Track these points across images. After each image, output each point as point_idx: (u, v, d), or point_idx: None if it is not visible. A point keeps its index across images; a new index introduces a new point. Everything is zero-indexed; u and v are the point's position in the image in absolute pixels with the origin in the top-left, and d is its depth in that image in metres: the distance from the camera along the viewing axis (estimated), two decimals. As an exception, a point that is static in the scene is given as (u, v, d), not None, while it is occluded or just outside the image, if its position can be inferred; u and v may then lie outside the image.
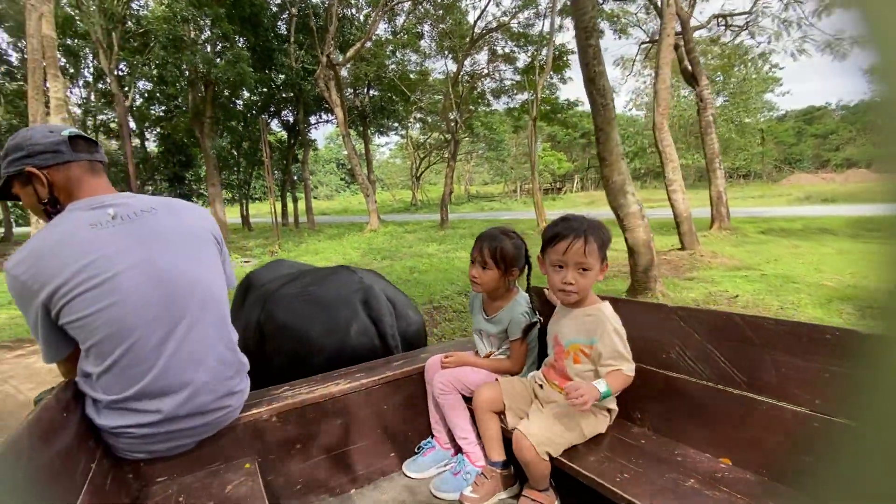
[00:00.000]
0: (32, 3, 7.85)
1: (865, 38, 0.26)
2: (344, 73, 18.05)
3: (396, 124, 28.21)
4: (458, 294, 6.36)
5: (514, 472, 1.69)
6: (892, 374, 0.27)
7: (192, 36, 14.88)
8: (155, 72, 16.35)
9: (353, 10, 18.90)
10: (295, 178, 25.46)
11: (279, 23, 18.11)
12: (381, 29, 20.05)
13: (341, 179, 69.12)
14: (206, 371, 1.36)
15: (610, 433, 1.56)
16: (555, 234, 1.51)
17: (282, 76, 18.17)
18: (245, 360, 1.53)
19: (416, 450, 1.90)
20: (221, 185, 18.46)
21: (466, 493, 1.65)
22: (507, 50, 17.77)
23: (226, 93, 17.71)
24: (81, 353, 1.28)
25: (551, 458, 1.46)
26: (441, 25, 18.64)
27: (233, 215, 30.17)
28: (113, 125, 26.54)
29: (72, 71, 22.32)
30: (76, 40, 20.20)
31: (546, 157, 36.52)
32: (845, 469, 0.30)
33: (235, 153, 24.59)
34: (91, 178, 1.34)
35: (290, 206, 25.22)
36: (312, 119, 22.70)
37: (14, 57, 21.54)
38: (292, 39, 17.74)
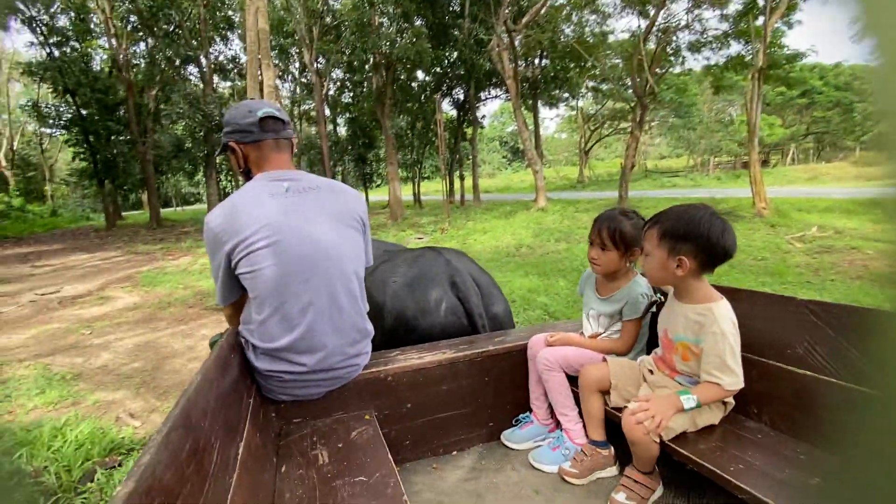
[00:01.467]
0: (251, -1, 8.78)
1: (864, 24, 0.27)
2: (516, 43, 17.22)
3: (567, 94, 26.42)
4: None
5: (614, 454, 1.69)
6: None
7: (377, 19, 15.59)
8: (346, 58, 17.75)
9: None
10: (459, 156, 25.86)
11: (454, -3, 18.00)
12: (558, -10, 18.54)
13: (503, 157, 69.11)
14: (341, 335, 1.55)
15: (723, 425, 1.50)
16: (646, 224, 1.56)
17: (454, 53, 18.08)
18: (371, 328, 1.70)
19: (514, 422, 1.96)
20: (398, 164, 19.46)
21: (566, 467, 1.67)
22: (714, -8, 14.69)
23: (403, 75, 18.39)
24: (249, 301, 1.51)
25: (661, 443, 1.41)
26: (627, -24, 16.32)
27: (405, 193, 32.33)
28: (313, 113, 30.43)
29: (282, 67, 25.91)
30: (286, 39, 23.21)
31: (751, 123, 30.29)
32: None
33: (410, 133, 25.93)
34: (275, 154, 1.58)
35: (457, 183, 25.74)
36: (482, 96, 22.43)
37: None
38: (466, 13, 17.46)
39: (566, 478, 1.66)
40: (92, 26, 21.29)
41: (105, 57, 22.79)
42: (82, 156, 21.38)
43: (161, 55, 19.67)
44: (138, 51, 21.68)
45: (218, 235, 1.45)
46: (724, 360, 1.38)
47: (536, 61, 22.02)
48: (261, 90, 9.94)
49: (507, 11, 14.30)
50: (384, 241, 2.93)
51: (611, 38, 20.51)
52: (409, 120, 23.20)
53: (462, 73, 18.72)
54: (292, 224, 1.46)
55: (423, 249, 2.35)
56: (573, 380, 1.77)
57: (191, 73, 23.12)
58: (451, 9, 18.63)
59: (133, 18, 18.63)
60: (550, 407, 1.88)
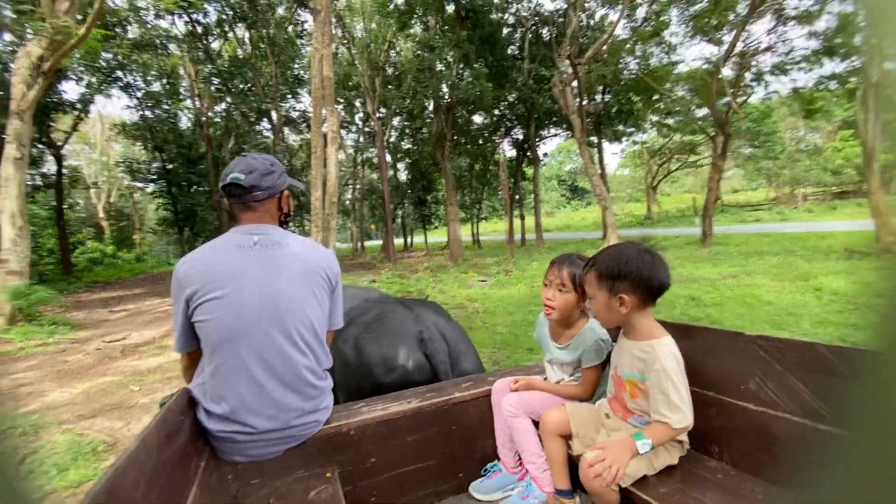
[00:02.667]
0: (317, 46, 8.92)
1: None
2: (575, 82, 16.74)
3: (632, 129, 25.40)
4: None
5: (580, 501, 1.64)
6: None
7: (438, 65, 15.76)
8: (407, 104, 18.05)
9: (588, 12, 17.48)
10: (519, 195, 25.29)
11: (514, 36, 17.98)
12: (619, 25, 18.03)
13: (562, 195, 67.87)
14: (294, 391, 1.52)
15: (684, 465, 1.49)
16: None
17: (513, 94, 17.91)
18: (330, 383, 1.67)
19: (482, 472, 1.91)
20: (457, 205, 19.17)
21: None
22: (801, 9, 13.48)
23: (462, 117, 18.38)
24: (203, 354, 1.50)
25: (620, 489, 1.41)
26: (695, 6, 15.52)
27: (463, 233, 32.02)
28: (374, 160, 31.43)
29: (347, 118, 27.06)
30: (350, 92, 24.29)
31: (847, 148, 27.41)
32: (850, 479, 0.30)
33: (469, 175, 25.90)
34: (245, 213, 1.60)
35: (517, 223, 25.05)
36: (542, 134, 21.98)
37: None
38: (526, 53, 17.32)
39: None
40: (180, 90, 23.49)
41: (189, 116, 24.94)
42: (166, 206, 23.00)
43: (237, 111, 21.09)
44: (217, 109, 23.53)
45: (181, 281, 1.47)
46: (669, 397, 1.37)
47: (598, 97, 21.42)
48: (324, 138, 9.97)
49: (570, 48, 13.90)
50: (367, 289, 2.91)
51: (679, 69, 19.57)
52: (469, 162, 23.12)
53: (522, 112, 18.45)
54: (251, 276, 1.47)
55: (396, 304, 2.35)
56: (538, 425, 1.72)
57: (263, 128, 24.72)
58: (509, 51, 18.66)
59: (215, 80, 20.17)
60: (518, 454, 1.83)
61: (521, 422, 1.75)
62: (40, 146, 20.68)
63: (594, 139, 22.37)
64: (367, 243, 38.93)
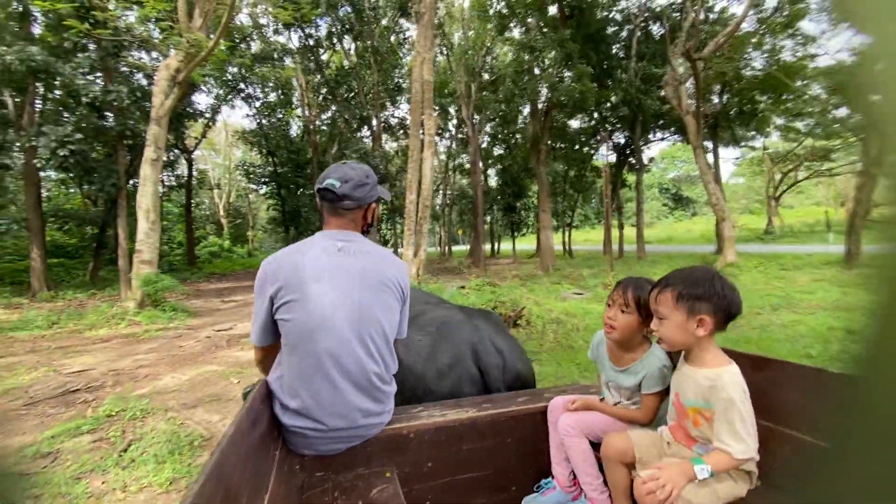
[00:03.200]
0: (419, 49, 8.89)
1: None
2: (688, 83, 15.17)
3: (753, 133, 22.66)
4: None
5: None
6: None
7: (536, 66, 15.20)
8: (502, 108, 17.70)
9: (707, 5, 15.82)
10: (617, 203, 23.71)
11: (621, 34, 16.87)
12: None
13: (664, 205, 63.04)
14: (363, 393, 1.57)
15: (754, 500, 1.37)
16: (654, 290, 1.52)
17: (617, 95, 16.75)
18: (395, 388, 1.71)
19: (535, 488, 1.88)
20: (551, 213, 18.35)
21: None
22: None
23: (561, 118, 17.57)
24: (281, 348, 1.57)
25: None
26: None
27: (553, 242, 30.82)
28: (466, 165, 31.52)
29: (441, 125, 27.43)
30: (445, 98, 24.56)
31: None
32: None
33: (563, 181, 24.87)
34: (333, 217, 1.68)
35: (614, 233, 23.48)
36: (649, 137, 20.38)
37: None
38: (633, 51, 16.13)
39: None
40: (293, 99, 25.45)
41: (299, 124, 26.88)
42: (275, 206, 24.93)
43: (341, 118, 22.24)
44: (324, 118, 25.06)
45: (266, 277, 1.54)
46: (735, 427, 1.31)
47: (715, 98, 19.36)
48: (421, 144, 9.94)
49: (688, 42, 12.62)
50: (423, 292, 2.84)
51: (819, 62, 17.02)
52: (564, 167, 22.14)
53: (625, 114, 17.20)
54: (334, 282, 1.53)
55: (453, 310, 2.34)
56: (596, 446, 1.68)
57: (363, 135, 25.90)
58: (613, 50, 17.54)
59: (323, 90, 21.46)
60: (573, 473, 1.78)
61: (579, 442, 1.72)
62: (176, 151, 23.60)
63: (708, 144, 20.27)
64: (454, 248, 39.18)
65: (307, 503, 1.48)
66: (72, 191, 21.90)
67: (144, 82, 13.86)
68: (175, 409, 4.06)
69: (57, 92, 12.92)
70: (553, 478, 1.86)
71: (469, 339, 2.11)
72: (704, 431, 1.42)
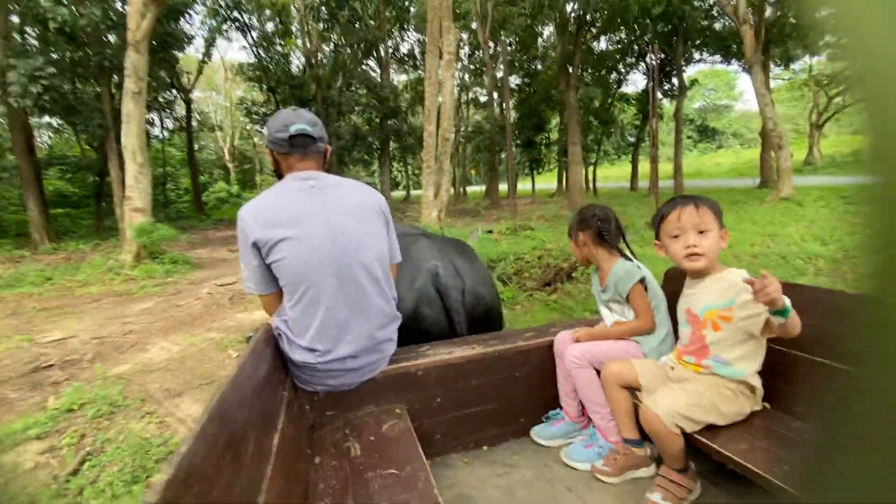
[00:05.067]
0: (435, -61, 7.27)
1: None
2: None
3: (801, 51, 20.20)
4: None
5: (650, 453, 1.66)
6: None
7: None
8: (526, 21, 15.62)
9: None
10: (652, 134, 21.80)
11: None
12: None
13: (688, 137, 59.63)
14: (366, 317, 1.59)
15: (764, 424, 1.45)
16: (662, 213, 1.55)
17: (660, 6, 14.58)
18: (397, 313, 1.73)
19: (543, 418, 1.94)
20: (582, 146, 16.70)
21: (599, 465, 1.65)
22: None
23: (592, 35, 15.54)
24: (284, 293, 1.57)
25: (689, 437, 1.41)
26: None
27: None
28: (482, 98, 29.33)
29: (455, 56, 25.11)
30: (457, 22, 22.13)
31: None
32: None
33: (585, 112, 22.87)
34: (302, 162, 1.66)
35: (645, 168, 21.81)
36: (690, 56, 18.18)
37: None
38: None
39: (599, 476, 1.63)
40: (293, 29, 23.26)
41: (300, 56, 24.79)
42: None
43: (344, 43, 20.26)
44: (326, 50, 22.94)
45: (245, 226, 1.52)
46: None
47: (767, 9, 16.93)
48: (440, 56, 8.48)
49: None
50: (403, 224, 2.79)
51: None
52: (599, 92, 20.10)
53: (666, 29, 15.09)
54: (316, 214, 1.54)
55: (419, 236, 2.33)
56: None
57: (370, 68, 23.84)
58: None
59: (322, 10, 19.34)
60: (581, 404, 1.84)
61: (586, 372, 1.76)
62: (173, 91, 22.02)
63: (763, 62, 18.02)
64: (468, 189, 37.64)
65: (319, 441, 1.51)
66: (73, 137, 20.74)
67: (120, 6, 12.23)
68: (155, 397, 3.19)
69: (14, 18, 11.42)
70: (561, 409, 1.92)
71: (429, 262, 2.09)
72: (724, 335, 1.45)
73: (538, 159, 26.35)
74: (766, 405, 1.53)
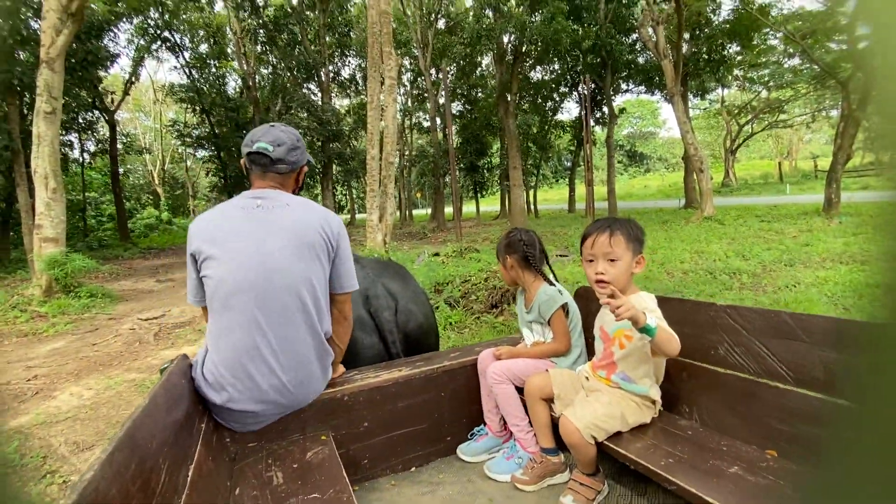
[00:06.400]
0: (374, -32, 7.35)
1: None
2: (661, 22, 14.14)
3: (716, 83, 22.30)
4: None
5: (564, 460, 1.78)
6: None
7: (501, 1, 13.73)
8: (466, 50, 16.10)
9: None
10: (587, 159, 23.00)
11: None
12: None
13: (619, 161, 63.39)
14: (289, 350, 1.51)
15: (657, 424, 1.61)
16: (584, 234, 1.66)
17: (589, 39, 15.58)
18: (328, 348, 1.66)
19: (469, 436, 2.02)
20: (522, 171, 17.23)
21: (518, 475, 1.74)
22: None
23: (529, 63, 16.27)
24: (209, 315, 1.53)
25: (599, 445, 1.53)
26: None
27: (518, 202, 29.88)
28: (425, 123, 29.76)
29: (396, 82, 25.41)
30: (398, 49, 22.49)
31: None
32: (872, 454, 0.31)
33: (524, 137, 23.78)
34: (259, 180, 1.65)
35: (581, 190, 22.88)
36: (617, 87, 19.46)
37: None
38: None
39: (518, 485, 1.72)
40: (228, 51, 22.59)
41: (237, 78, 24.06)
42: (216, 172, 22.54)
43: (283, 66, 19.93)
44: (265, 72, 22.43)
45: (190, 236, 1.53)
46: (662, 322, 1.49)
47: (684, 46, 18.58)
48: (382, 81, 8.51)
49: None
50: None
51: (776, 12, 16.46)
52: (536, 120, 20.96)
53: (595, 62, 16.12)
54: (247, 236, 1.50)
55: None
56: (522, 391, 1.83)
57: (311, 91, 23.52)
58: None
59: (261, 33, 18.97)
60: (503, 419, 1.92)
61: (506, 388, 1.84)
62: (95, 112, 20.55)
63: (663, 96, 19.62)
64: (415, 212, 37.73)
65: (240, 472, 1.48)
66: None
67: (33, 22, 11.35)
68: (60, 452, 2.80)
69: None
70: (485, 424, 2.01)
71: (362, 285, 2.04)
72: (629, 351, 1.60)
73: (481, 182, 26.95)
74: (660, 408, 1.70)
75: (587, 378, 1.72)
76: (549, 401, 1.75)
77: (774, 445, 1.39)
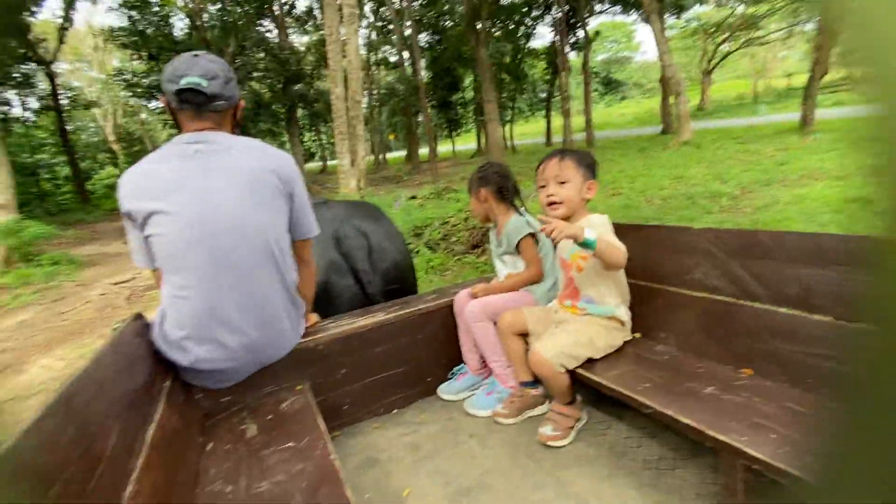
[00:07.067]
0: None
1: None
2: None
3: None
4: None
5: (544, 392, 1.80)
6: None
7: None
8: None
9: None
10: (559, 90, 22.28)
11: None
12: None
13: (594, 90, 61.98)
14: (252, 307, 1.42)
15: (633, 351, 1.64)
16: (538, 164, 1.72)
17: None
18: (297, 298, 1.60)
19: (449, 375, 2.05)
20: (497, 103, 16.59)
21: (498, 409, 1.79)
22: None
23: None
24: (163, 274, 1.40)
25: (572, 373, 1.57)
26: None
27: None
28: (392, 58, 28.13)
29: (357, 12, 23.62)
30: (359, -25, 20.69)
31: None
32: (864, 372, 0.30)
33: (498, 68, 22.77)
34: (193, 121, 1.42)
35: (558, 122, 22.37)
36: (591, 9, 18.50)
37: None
38: None
39: (498, 419, 1.77)
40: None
41: (184, 18, 22.04)
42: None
43: (232, 1, 18.28)
44: (212, 10, 20.52)
45: (122, 195, 1.37)
46: (609, 235, 1.57)
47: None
48: (340, 13, 7.82)
49: None
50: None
51: None
52: (508, 48, 19.97)
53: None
54: (191, 185, 1.35)
55: (318, 205, 2.18)
56: None
57: (265, 29, 21.76)
58: None
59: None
60: (482, 357, 1.95)
61: (484, 325, 1.85)
62: (31, 64, 18.77)
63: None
64: (388, 155, 36.66)
65: (212, 428, 1.45)
66: None
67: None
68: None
69: None
70: (464, 363, 2.03)
71: (330, 227, 2.06)
72: (587, 274, 1.63)
73: (455, 120, 26.15)
74: (637, 335, 1.73)
75: (556, 311, 1.77)
76: (525, 335, 1.78)
77: (750, 364, 1.41)
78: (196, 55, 1.42)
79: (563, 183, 1.61)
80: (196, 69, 1.38)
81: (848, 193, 5.08)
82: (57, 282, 6.84)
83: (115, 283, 6.35)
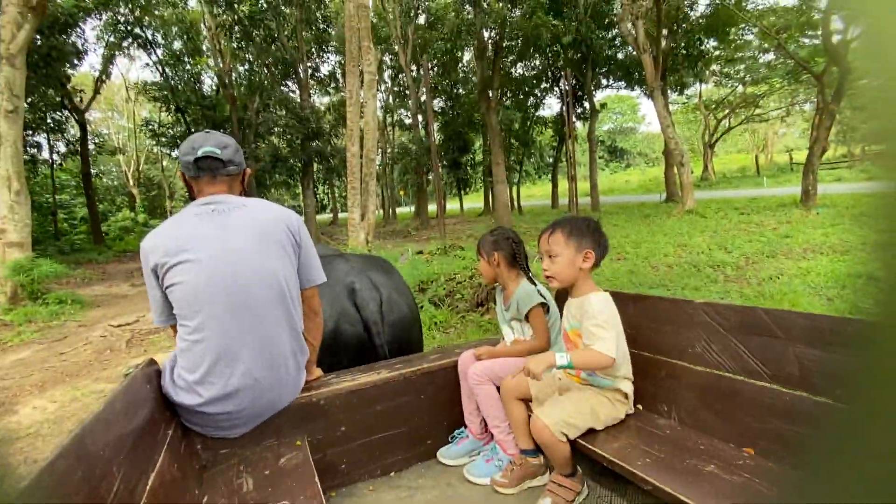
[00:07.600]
0: (351, -41, 7.17)
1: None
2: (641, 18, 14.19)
3: (693, 78, 22.53)
4: None
5: (545, 462, 1.75)
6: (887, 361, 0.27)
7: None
8: (446, 46, 15.93)
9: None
10: (567, 156, 23.03)
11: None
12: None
13: (600, 157, 63.88)
14: (262, 351, 1.50)
15: (636, 424, 1.62)
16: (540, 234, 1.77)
17: (569, 35, 15.55)
18: (306, 347, 1.68)
19: (449, 439, 1.99)
20: (506, 167, 17.13)
21: (497, 478, 1.74)
22: None
23: (509, 60, 16.18)
24: (178, 324, 1.50)
25: (574, 444, 1.54)
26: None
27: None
28: (407, 121, 29.48)
29: (376, 77, 25.06)
30: (378, 45, 22.18)
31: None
32: (850, 453, 0.30)
33: (507, 133, 23.73)
34: (209, 186, 1.61)
35: (564, 186, 22.92)
36: (598, 82, 19.51)
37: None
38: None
39: (497, 488, 1.72)
40: (203, 48, 22.01)
41: (212, 75, 23.47)
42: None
43: (260, 63, 19.50)
44: (241, 70, 21.90)
45: (146, 254, 1.49)
46: (596, 332, 1.52)
47: (662, 41, 18.70)
48: (361, 78, 8.33)
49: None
50: (321, 245, 2.76)
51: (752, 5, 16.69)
52: (518, 116, 20.87)
53: (574, 57, 16.12)
54: (210, 238, 1.47)
55: (334, 257, 2.36)
56: None
57: (289, 89, 23.06)
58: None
59: (236, 29, 18.51)
60: (484, 421, 1.91)
61: (487, 389, 1.83)
62: (65, 112, 19.86)
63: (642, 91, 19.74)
64: (397, 210, 37.43)
65: (210, 480, 1.46)
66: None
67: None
68: (19, 473, 2.61)
69: None
70: (465, 427, 1.99)
71: (345, 279, 2.11)
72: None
73: (465, 179, 26.88)
74: (639, 407, 1.72)
75: (560, 378, 1.77)
76: (528, 401, 1.75)
77: (752, 443, 1.39)
78: (208, 132, 1.64)
79: (552, 257, 1.65)
80: (211, 141, 1.59)
81: (853, 269, 5.09)
82: (61, 321, 6.85)
83: (118, 325, 6.34)
